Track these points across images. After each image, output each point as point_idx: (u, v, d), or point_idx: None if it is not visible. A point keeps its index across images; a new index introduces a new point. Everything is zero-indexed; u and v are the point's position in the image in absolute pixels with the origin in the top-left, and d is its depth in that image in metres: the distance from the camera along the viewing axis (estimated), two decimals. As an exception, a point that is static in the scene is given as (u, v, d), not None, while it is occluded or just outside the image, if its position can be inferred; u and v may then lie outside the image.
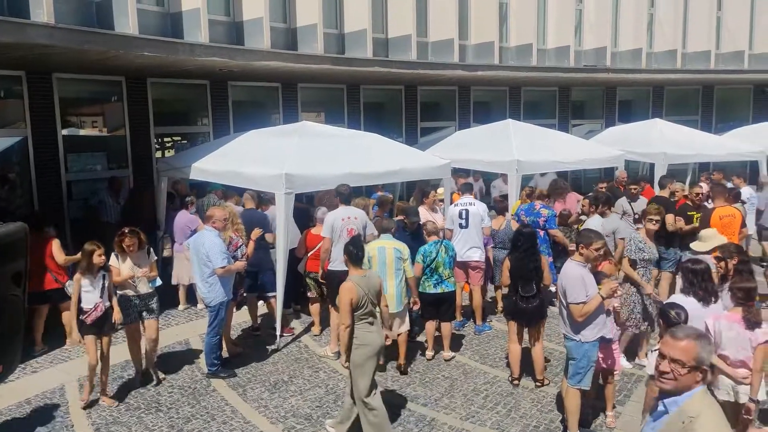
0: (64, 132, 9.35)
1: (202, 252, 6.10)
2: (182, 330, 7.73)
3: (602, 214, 7.74)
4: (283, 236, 6.96)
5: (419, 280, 6.55)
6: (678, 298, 4.61)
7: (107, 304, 5.67)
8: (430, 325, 6.82)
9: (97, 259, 5.61)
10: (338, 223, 6.66)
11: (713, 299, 4.51)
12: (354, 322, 4.75)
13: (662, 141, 12.09)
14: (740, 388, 4.28)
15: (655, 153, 11.78)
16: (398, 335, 6.43)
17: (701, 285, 4.51)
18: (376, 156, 8.23)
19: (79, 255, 5.87)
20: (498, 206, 9.18)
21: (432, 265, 6.55)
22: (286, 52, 9.90)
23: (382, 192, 10.65)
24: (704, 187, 9.55)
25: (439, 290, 6.59)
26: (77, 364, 6.56)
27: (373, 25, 11.44)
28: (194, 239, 6.39)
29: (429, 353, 6.79)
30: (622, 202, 9.15)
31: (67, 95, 9.37)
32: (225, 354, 6.71)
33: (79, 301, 5.57)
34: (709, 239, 6.38)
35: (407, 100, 14.08)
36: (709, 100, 17.89)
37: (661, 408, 2.60)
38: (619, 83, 16.19)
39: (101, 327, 5.63)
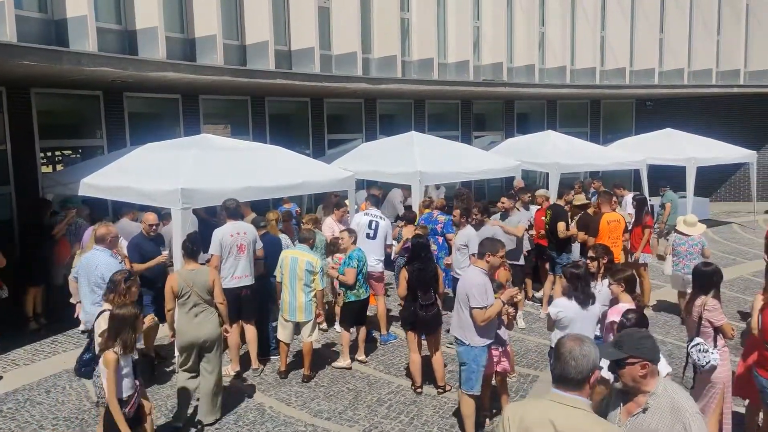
0: (-67, 146, 8.57)
1: (95, 274, 5.79)
2: (71, 357, 7.22)
3: (481, 223, 7.97)
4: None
5: (353, 287, 6.68)
6: (561, 301, 4.90)
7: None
8: (349, 334, 6.89)
9: (141, 327, 4.29)
10: (227, 239, 6.50)
11: (591, 301, 4.83)
12: (175, 307, 5.41)
13: (555, 152, 12.85)
14: None
15: (548, 163, 12.50)
16: (304, 344, 6.53)
17: (582, 288, 4.82)
18: (278, 169, 8.17)
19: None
20: (408, 216, 9.36)
21: (363, 270, 6.78)
22: (183, 63, 9.59)
23: (288, 205, 10.59)
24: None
25: (367, 294, 6.93)
26: None
27: (275, 37, 11.35)
28: (85, 261, 6.02)
29: (346, 362, 6.82)
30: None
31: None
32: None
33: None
34: (694, 225, 7.89)
35: (314, 112, 14.07)
36: (597, 113, 19.23)
37: None
38: (516, 97, 17.04)
39: (138, 423, 4.25)
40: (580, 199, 9.85)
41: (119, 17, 9.77)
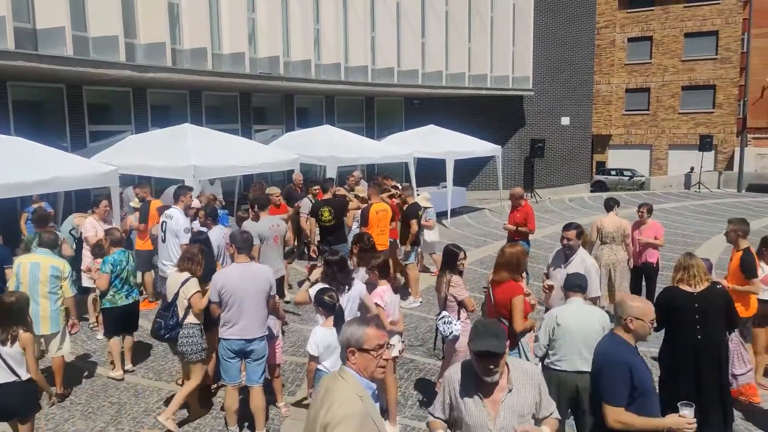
0: None
1: None
2: None
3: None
4: None
5: (106, 293, 6.20)
6: (318, 286, 5.11)
7: None
8: (118, 343, 6.42)
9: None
10: None
11: (346, 288, 5.03)
12: None
13: (332, 146, 13.34)
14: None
15: (326, 156, 12.94)
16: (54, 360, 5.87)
17: (333, 274, 5.02)
18: (19, 164, 7.17)
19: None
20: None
21: (122, 275, 6.26)
22: None
23: (40, 204, 9.39)
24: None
25: (131, 300, 6.39)
26: None
27: (15, 12, 9.86)
28: None
29: (118, 373, 6.35)
30: (306, 203, 9.83)
31: None
32: None
33: None
34: (428, 200, 10.09)
35: (71, 100, 12.61)
36: (371, 110, 20.43)
37: None
38: (294, 91, 17.25)
39: None
40: (360, 191, 10.42)
41: None
